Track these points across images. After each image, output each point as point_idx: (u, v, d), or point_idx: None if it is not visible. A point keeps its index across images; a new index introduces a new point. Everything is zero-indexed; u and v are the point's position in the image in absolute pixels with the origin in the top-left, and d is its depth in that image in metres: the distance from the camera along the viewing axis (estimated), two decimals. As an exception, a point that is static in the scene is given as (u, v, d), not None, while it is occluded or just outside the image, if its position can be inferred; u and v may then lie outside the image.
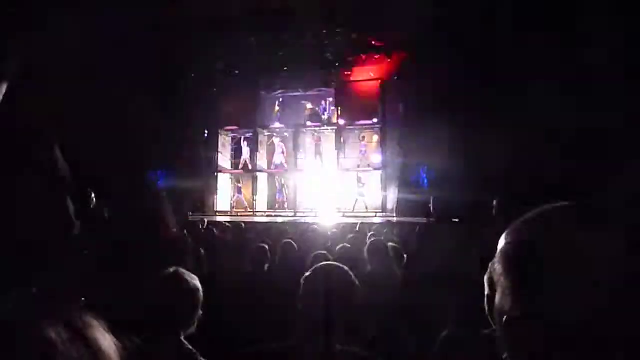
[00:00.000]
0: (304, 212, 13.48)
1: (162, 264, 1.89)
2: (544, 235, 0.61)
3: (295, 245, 3.92)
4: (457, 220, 8.75)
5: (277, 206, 14.32)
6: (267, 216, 13.15)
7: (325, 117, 14.04)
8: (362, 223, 8.41)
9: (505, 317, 0.62)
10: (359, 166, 13.55)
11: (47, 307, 0.51)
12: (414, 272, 3.15)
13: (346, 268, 1.47)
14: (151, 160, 12.90)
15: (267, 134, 15.18)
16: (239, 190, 14.46)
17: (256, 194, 13.71)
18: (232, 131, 14.92)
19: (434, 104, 11.09)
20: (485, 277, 0.71)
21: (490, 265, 0.72)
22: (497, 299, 0.65)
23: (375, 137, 13.78)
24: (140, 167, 12.41)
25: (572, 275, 0.56)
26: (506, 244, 0.65)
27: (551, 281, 0.57)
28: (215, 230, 6.06)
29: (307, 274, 1.46)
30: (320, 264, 1.52)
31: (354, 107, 13.39)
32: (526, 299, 0.60)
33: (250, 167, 14.27)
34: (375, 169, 13.32)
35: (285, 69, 13.41)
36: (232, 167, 14.82)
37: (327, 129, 14.28)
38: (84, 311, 0.52)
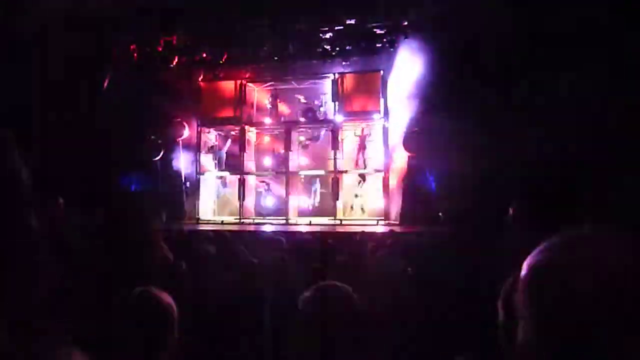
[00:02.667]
0: (296, 220, 13.50)
1: (131, 281, 1.87)
2: (575, 267, 0.61)
3: (287, 259, 3.90)
4: (469, 229, 8.77)
5: (266, 213, 14.31)
6: (256, 224, 13.14)
7: (321, 112, 14.05)
8: (362, 232, 8.40)
9: (527, 348, 0.62)
10: (357, 166, 13.58)
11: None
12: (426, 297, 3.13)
13: (349, 289, 1.46)
14: (123, 162, 12.88)
15: (255, 131, 15.20)
16: (223, 194, 14.42)
17: (243, 199, 13.68)
18: (216, 129, 14.91)
19: (443, 98, 11.16)
20: (500, 300, 0.71)
21: (506, 285, 0.72)
22: (519, 329, 0.66)
23: (377, 135, 13.82)
24: (111, 169, 12.40)
25: (604, 312, 0.57)
26: (531, 272, 0.65)
27: (580, 316, 0.58)
28: (196, 241, 6.06)
29: (305, 294, 1.45)
30: (320, 283, 1.51)
31: (353, 102, 13.42)
32: (553, 334, 0.60)
33: (236, 168, 14.24)
34: (376, 170, 13.34)
35: (275, 58, 13.39)
36: (216, 169, 14.80)
37: (323, 126, 14.31)
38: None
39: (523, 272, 0.66)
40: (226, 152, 14.78)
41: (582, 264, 0.61)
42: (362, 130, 13.68)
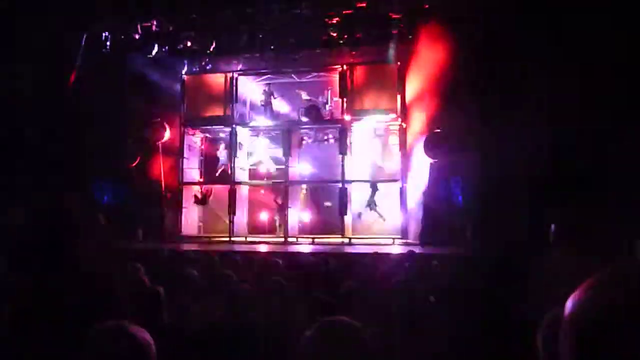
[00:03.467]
0: (297, 238, 13.49)
1: (99, 313, 1.85)
2: (631, 309, 0.61)
3: (286, 285, 3.89)
4: (502, 250, 8.78)
5: (261, 229, 14.28)
6: (249, 243, 13.14)
7: (326, 110, 14.11)
8: (375, 253, 8.38)
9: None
10: (370, 175, 13.62)
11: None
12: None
13: (359, 325, 1.45)
14: (93, 169, 12.92)
15: (249, 133, 15.25)
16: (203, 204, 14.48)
17: (234, 214, 13.71)
18: (202, 130, 14.98)
19: (470, 93, 11.18)
20: (539, 338, 0.71)
21: (547, 322, 0.71)
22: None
23: (393, 138, 13.82)
24: (77, 179, 12.43)
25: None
26: (578, 312, 0.65)
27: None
28: (177, 263, 6.02)
29: (308, 332, 1.44)
30: (325, 318, 1.50)
31: (364, 99, 13.48)
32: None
33: (226, 176, 14.29)
34: (393, 180, 13.36)
35: (272, 47, 13.47)
36: (202, 178, 14.77)
37: (329, 127, 14.34)
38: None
39: (567, 310, 0.66)
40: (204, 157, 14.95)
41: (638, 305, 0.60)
42: (374, 131, 13.70)
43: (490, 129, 10.74)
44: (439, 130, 12.21)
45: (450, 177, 12.12)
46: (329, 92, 14.16)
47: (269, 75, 14.61)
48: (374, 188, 13.16)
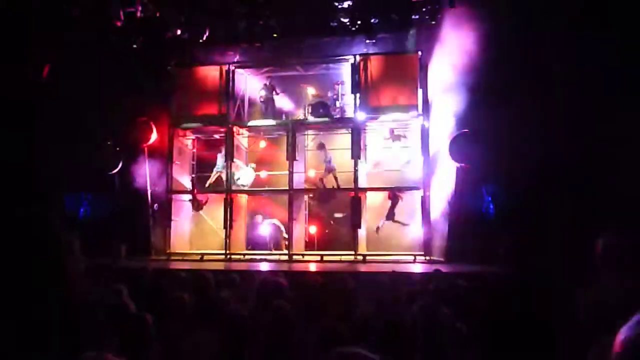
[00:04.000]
0: (303, 255, 13.50)
1: (76, 342, 1.86)
2: None
3: (292, 310, 3.89)
4: (541, 271, 8.75)
5: (263, 245, 14.30)
6: (248, 260, 13.15)
7: (336, 107, 14.13)
8: (394, 273, 8.38)
9: None
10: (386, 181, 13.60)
11: None
12: None
13: (376, 358, 1.45)
14: (69, 176, 12.98)
15: (247, 134, 15.24)
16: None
17: (231, 227, 13.75)
18: (194, 131, 15.06)
19: (504, 87, 11.17)
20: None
21: (592, 356, 0.73)
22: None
23: (413, 139, 13.81)
24: (52, 186, 12.49)
25: None
26: (628, 349, 0.67)
27: None
28: (166, 284, 6.03)
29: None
30: (337, 350, 1.50)
31: (381, 94, 13.49)
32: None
33: (222, 184, 14.33)
34: (414, 187, 13.35)
35: (274, 35, 13.50)
36: (194, 186, 14.85)
37: (340, 127, 14.36)
38: None
39: (617, 348, 0.66)
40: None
41: None
42: (392, 131, 13.73)
43: (528, 128, 10.71)
44: (467, 130, 12.18)
45: (481, 184, 12.11)
46: (340, 86, 14.16)
47: (270, 68, 14.65)
48: (395, 199, 13.16)
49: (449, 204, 12.52)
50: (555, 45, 10.60)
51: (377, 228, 13.34)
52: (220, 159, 14.48)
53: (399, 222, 13.17)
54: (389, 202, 13.24)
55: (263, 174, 15.19)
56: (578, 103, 10.32)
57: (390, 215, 13.07)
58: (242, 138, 15.23)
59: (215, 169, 14.55)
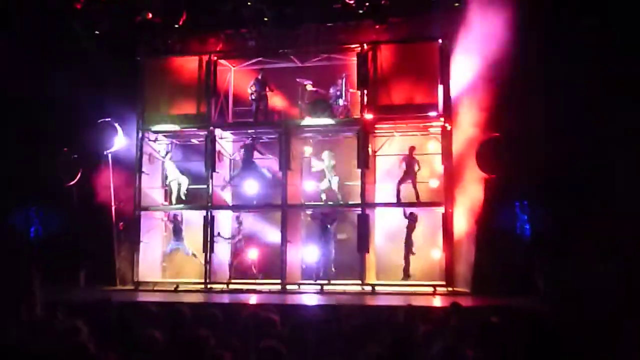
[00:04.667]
0: (299, 286, 13.50)
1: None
2: None
3: (284, 353, 3.88)
4: (588, 307, 8.77)
5: (249, 272, 14.30)
6: (232, 291, 13.15)
7: (340, 105, 14.11)
8: (410, 307, 8.36)
9: None
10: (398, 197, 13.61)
11: None
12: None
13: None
14: (18, 189, 12.98)
15: (232, 138, 15.28)
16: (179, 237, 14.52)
17: (212, 251, 13.76)
18: (168, 134, 15.05)
19: (542, 84, 11.21)
20: None
21: None
22: None
23: (433, 145, 13.82)
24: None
25: None
26: None
27: None
28: (134, 320, 6.01)
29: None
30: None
31: (393, 90, 13.47)
32: None
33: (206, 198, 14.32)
34: (433, 203, 13.37)
35: (265, 20, 13.55)
36: (167, 200, 14.87)
37: (344, 129, 14.38)
38: None
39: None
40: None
41: None
42: (411, 151, 13.66)
43: (573, 132, 10.77)
44: (498, 134, 12.22)
45: (515, 199, 12.11)
46: (344, 81, 14.11)
47: (260, 59, 14.65)
48: (411, 218, 13.19)
49: (476, 223, 12.49)
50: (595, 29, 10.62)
51: (406, 272, 13.30)
52: (171, 168, 14.60)
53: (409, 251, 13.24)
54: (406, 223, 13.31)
55: (252, 185, 15.13)
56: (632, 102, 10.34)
57: (408, 245, 13.15)
58: (225, 143, 15.24)
59: (168, 180, 14.65)
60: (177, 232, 14.35)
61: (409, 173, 13.49)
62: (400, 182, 13.53)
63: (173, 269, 14.83)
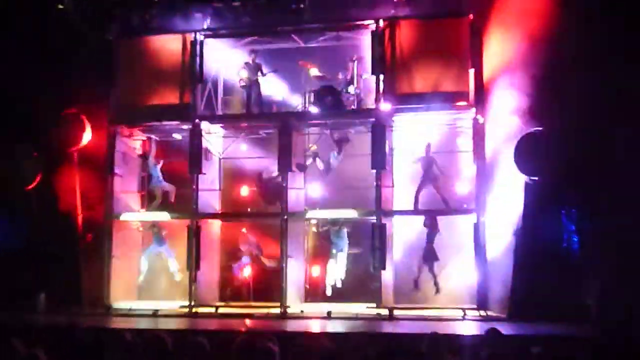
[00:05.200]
0: (302, 309, 13.53)
1: None
2: None
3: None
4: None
5: (242, 293, 14.40)
6: (222, 316, 13.21)
7: (350, 94, 14.14)
8: (435, 335, 8.32)
9: None
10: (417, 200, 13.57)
11: None
12: None
13: None
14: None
15: (222, 133, 15.35)
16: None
17: (198, 268, 13.73)
18: (144, 129, 15.11)
19: (594, 68, 11.16)
20: None
21: None
22: None
23: (463, 141, 13.90)
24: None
25: None
26: None
27: None
28: (105, 350, 6.14)
29: None
30: None
31: (415, 76, 13.46)
32: None
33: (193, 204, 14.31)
34: (463, 210, 13.43)
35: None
36: (144, 206, 14.97)
37: (356, 122, 14.37)
38: None
39: None
40: (161, 170, 15.02)
41: None
42: (428, 150, 13.69)
43: (630, 125, 10.71)
44: (540, 129, 12.17)
45: (561, 206, 12.11)
46: (355, 64, 14.17)
47: (254, 38, 14.73)
48: (432, 227, 13.21)
49: (514, 234, 12.48)
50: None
51: (416, 282, 13.45)
52: (153, 167, 14.69)
53: (434, 280, 13.30)
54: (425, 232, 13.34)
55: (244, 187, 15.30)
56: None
57: (430, 256, 13.13)
58: (214, 138, 15.22)
59: (153, 183, 14.71)
60: (158, 237, 14.41)
61: (428, 176, 13.56)
62: (419, 189, 13.59)
63: (152, 289, 14.85)
